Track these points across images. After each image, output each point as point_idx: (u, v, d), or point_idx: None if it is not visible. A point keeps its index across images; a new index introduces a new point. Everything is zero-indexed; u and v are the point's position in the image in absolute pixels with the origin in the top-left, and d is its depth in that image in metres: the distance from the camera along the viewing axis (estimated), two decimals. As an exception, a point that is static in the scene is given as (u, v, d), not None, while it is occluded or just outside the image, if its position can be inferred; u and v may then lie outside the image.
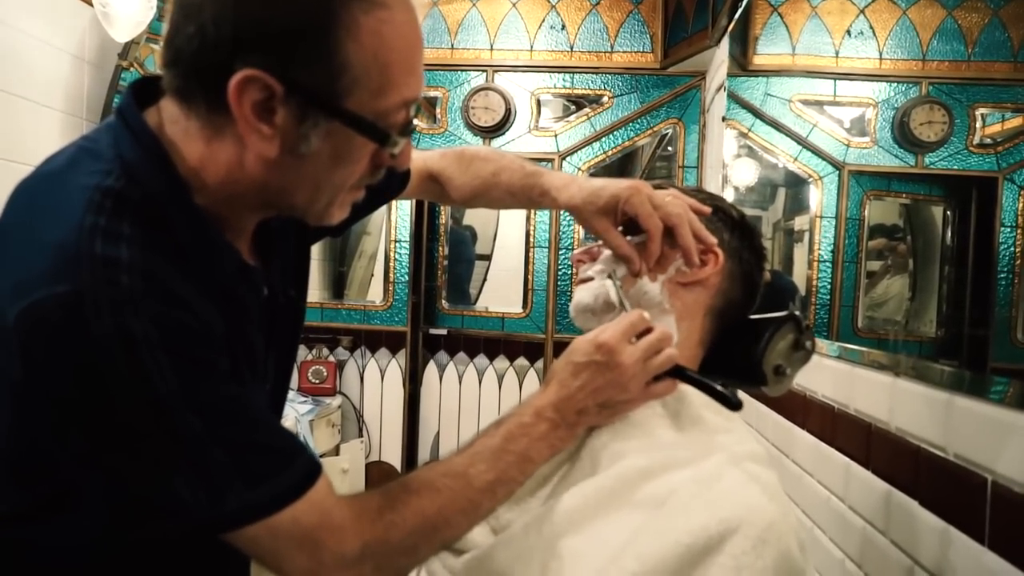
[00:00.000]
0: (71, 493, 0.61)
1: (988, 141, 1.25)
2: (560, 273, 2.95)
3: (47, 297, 0.53)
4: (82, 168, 0.59)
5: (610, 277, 0.79)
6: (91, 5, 1.77)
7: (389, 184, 0.71)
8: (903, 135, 1.41)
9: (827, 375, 1.21)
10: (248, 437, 0.60)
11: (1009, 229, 1.13)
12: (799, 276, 1.81)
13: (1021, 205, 1.14)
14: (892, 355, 1.01)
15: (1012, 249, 1.12)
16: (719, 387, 0.70)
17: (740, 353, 0.81)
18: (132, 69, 2.00)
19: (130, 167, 0.59)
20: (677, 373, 0.72)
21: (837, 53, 1.66)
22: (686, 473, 0.66)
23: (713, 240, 0.79)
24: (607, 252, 0.84)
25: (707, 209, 0.82)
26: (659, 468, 0.66)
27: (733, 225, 0.84)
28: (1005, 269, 1.14)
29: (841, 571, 1.08)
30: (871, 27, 1.58)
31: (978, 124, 1.26)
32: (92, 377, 0.54)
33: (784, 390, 0.81)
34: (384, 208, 3.08)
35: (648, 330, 0.72)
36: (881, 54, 1.56)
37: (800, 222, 1.90)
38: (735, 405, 0.68)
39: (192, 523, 0.60)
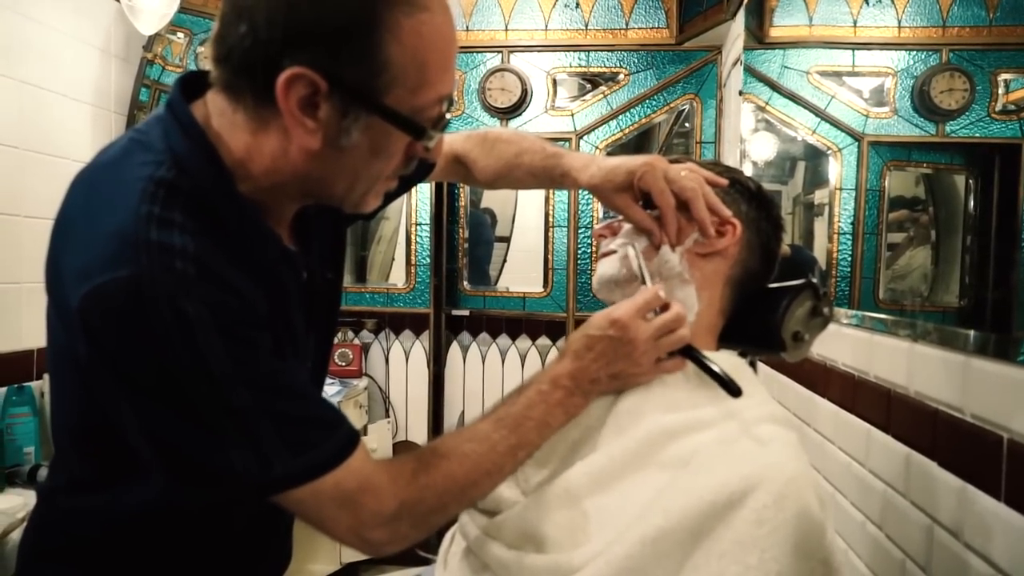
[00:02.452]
0: (131, 462, 0.65)
1: (1011, 107, 1.22)
2: (580, 252, 2.97)
3: (109, 281, 0.57)
4: (136, 159, 0.63)
5: (632, 248, 0.81)
6: (117, 1, 1.81)
7: (418, 168, 0.74)
8: (923, 104, 1.40)
9: (847, 344, 1.23)
10: (293, 409, 0.64)
11: None
12: (819, 249, 1.81)
13: None
14: (910, 321, 1.03)
15: None
16: (721, 372, 0.73)
17: (760, 321, 0.83)
18: (156, 63, 2.04)
19: (180, 158, 0.63)
20: (687, 353, 0.75)
21: (855, 22, 1.64)
22: (709, 434, 0.68)
23: (727, 212, 0.82)
24: (628, 226, 0.86)
25: (723, 181, 0.84)
26: (683, 430, 0.69)
27: (750, 196, 0.86)
28: None
29: (862, 533, 1.10)
30: (889, -6, 1.57)
31: (1000, 91, 1.23)
32: (152, 354, 0.58)
33: (802, 356, 0.83)
34: (404, 193, 3.11)
35: (665, 308, 0.75)
36: (900, 22, 1.54)
37: (820, 195, 1.89)
38: (735, 392, 0.72)
39: (243, 489, 0.64)
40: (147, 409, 0.61)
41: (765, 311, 0.83)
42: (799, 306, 0.82)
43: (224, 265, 0.62)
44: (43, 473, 1.43)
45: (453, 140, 1.04)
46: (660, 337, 0.74)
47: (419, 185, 3.05)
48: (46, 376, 1.66)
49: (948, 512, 0.86)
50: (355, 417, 2.93)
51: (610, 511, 0.66)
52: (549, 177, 0.97)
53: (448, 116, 0.67)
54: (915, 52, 1.48)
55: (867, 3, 1.63)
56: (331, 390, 2.75)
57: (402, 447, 3.13)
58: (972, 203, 1.38)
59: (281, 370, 0.65)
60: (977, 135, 1.29)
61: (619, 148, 2.99)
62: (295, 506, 0.65)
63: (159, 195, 0.60)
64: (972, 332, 0.85)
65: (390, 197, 0.82)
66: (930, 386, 0.92)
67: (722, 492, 0.63)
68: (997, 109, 1.23)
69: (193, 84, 0.67)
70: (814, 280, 0.83)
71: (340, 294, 0.88)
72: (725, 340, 0.85)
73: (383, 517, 0.65)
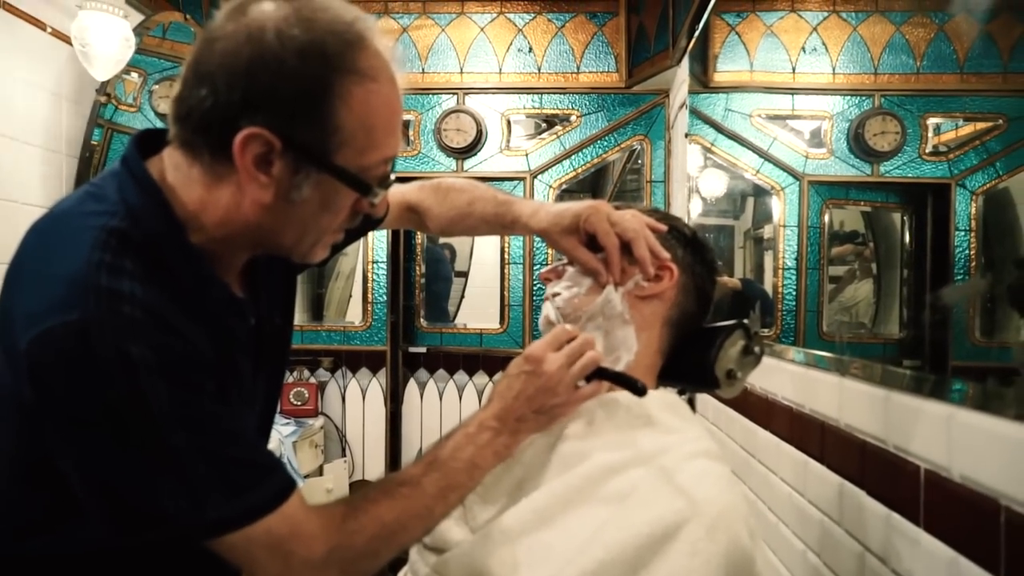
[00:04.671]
0: (74, 504, 0.66)
1: (942, 148, 1.29)
2: (536, 288, 3.01)
3: (58, 325, 0.59)
4: (89, 209, 0.66)
5: (551, 303, 0.88)
6: (69, 44, 1.81)
7: (367, 220, 0.78)
8: (859, 145, 1.47)
9: (787, 378, 1.29)
10: (229, 452, 0.66)
11: (963, 233, 1.17)
12: (768, 283, 1.88)
13: (973, 209, 1.18)
14: (838, 357, 1.08)
15: (967, 252, 1.17)
16: (628, 376, 0.79)
17: (695, 360, 0.88)
18: (110, 103, 2.04)
19: (133, 210, 0.66)
20: (599, 373, 0.80)
21: (793, 69, 1.72)
22: (647, 469, 0.72)
23: (666, 255, 0.87)
24: (571, 270, 0.91)
25: (663, 227, 0.90)
26: (621, 466, 0.73)
27: (686, 242, 0.91)
28: (961, 271, 1.19)
29: (803, 562, 1.15)
30: (824, 44, 1.64)
31: (930, 133, 1.30)
32: (95, 394, 0.60)
33: (736, 392, 0.88)
34: (361, 230, 3.13)
35: (573, 339, 0.79)
36: (834, 69, 1.61)
37: (768, 230, 1.96)
38: (640, 391, 0.77)
39: (176, 532, 0.65)
40: (87, 450, 0.62)
41: (700, 350, 0.87)
42: (732, 345, 0.87)
43: (171, 310, 0.64)
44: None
45: (407, 190, 1.08)
46: (572, 363, 0.78)
47: (376, 223, 3.07)
48: None
49: (877, 539, 0.91)
50: (311, 457, 2.89)
51: (552, 546, 0.69)
52: (500, 223, 1.01)
53: (392, 176, 0.71)
54: (849, 97, 1.56)
55: (804, 51, 1.72)
56: (286, 430, 2.72)
57: (359, 486, 3.09)
58: (908, 239, 1.44)
59: (223, 415, 0.67)
60: (909, 175, 1.35)
61: (576, 185, 3.07)
62: (227, 551, 0.66)
63: (111, 243, 0.63)
64: (882, 367, 0.90)
65: (337, 248, 0.85)
66: (857, 418, 0.98)
67: (658, 525, 0.66)
68: (927, 151, 1.30)
69: (148, 141, 0.70)
70: (745, 321, 0.88)
71: (290, 339, 0.91)
72: (664, 378, 0.90)
73: (312, 564, 0.67)
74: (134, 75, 2.10)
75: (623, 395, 0.81)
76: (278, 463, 0.70)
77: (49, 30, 1.83)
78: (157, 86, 2.26)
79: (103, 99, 2.02)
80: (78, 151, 2.00)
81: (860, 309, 1.65)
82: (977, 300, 1.18)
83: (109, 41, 1.80)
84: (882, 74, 1.41)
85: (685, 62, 2.42)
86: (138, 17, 2.11)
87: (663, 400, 0.81)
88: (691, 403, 0.94)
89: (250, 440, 0.71)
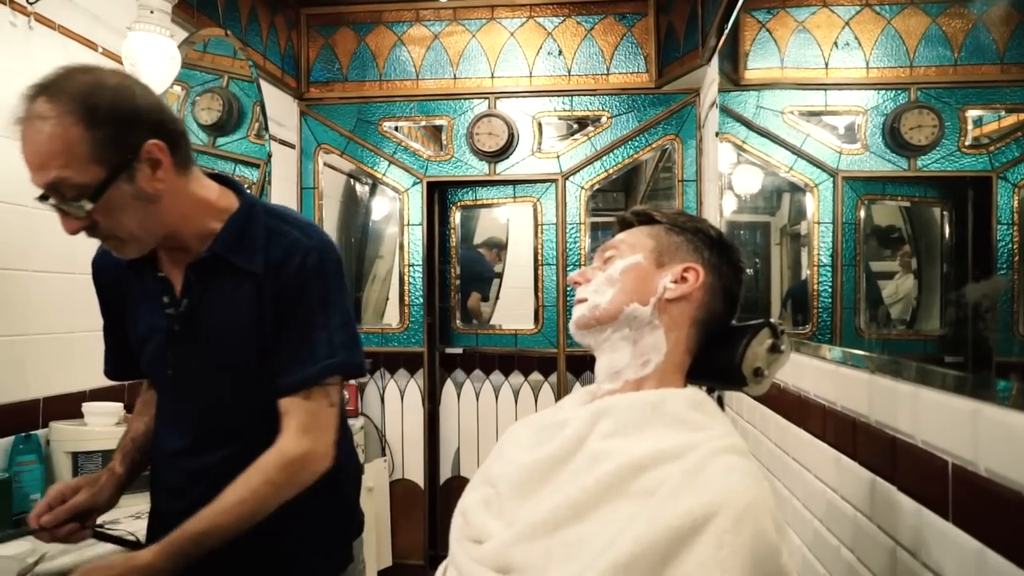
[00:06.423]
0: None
1: (984, 140, 1.27)
2: (570, 289, 3.05)
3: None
4: None
5: (580, 303, 0.93)
6: (120, 64, 1.90)
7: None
8: (894, 140, 1.45)
9: (819, 376, 1.30)
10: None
11: (1006, 227, 1.16)
12: (805, 279, 1.87)
13: (1016, 202, 1.16)
14: (869, 354, 1.09)
15: (1010, 246, 1.16)
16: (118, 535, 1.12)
17: (723, 358, 0.90)
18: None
19: None
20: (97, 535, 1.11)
21: (826, 64, 1.71)
22: (674, 466, 0.75)
23: None
24: (601, 274, 0.94)
25: None
26: (651, 462, 0.75)
27: (712, 244, 0.93)
28: (1004, 266, 1.17)
29: (837, 558, 1.16)
30: (856, 38, 1.63)
31: (969, 126, 1.29)
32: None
33: (764, 390, 0.90)
34: (397, 233, 3.20)
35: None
36: (868, 63, 1.60)
37: (804, 227, 1.94)
38: (132, 544, 1.05)
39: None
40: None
41: (728, 349, 0.90)
42: (759, 344, 0.89)
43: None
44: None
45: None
46: None
47: (410, 226, 3.14)
48: (51, 424, 1.71)
49: (908, 534, 0.92)
50: (352, 457, 2.96)
51: (584, 539, 0.72)
52: None
53: (82, 203, 0.92)
54: (884, 91, 1.54)
55: (836, 46, 1.71)
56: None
57: (399, 485, 3.16)
58: (948, 233, 1.43)
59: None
60: (948, 169, 1.34)
61: (608, 184, 3.10)
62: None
63: None
64: (915, 364, 0.92)
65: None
66: (888, 415, 0.99)
67: (686, 518, 0.69)
68: (967, 143, 1.28)
69: None
70: (772, 320, 0.90)
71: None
72: (693, 376, 0.92)
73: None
74: (177, 88, 2.18)
75: (650, 394, 0.84)
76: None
77: (100, 50, 1.92)
78: (199, 98, 2.35)
79: (151, 114, 2.11)
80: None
81: (902, 306, 1.64)
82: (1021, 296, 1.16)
83: (157, 60, 1.88)
84: (918, 67, 1.40)
85: (715, 60, 2.43)
86: (182, 34, 2.20)
87: (691, 398, 0.84)
88: (719, 401, 0.96)
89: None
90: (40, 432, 1.68)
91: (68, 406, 1.78)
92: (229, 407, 1.08)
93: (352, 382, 3.13)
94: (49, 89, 0.90)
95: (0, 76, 1.61)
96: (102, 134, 0.90)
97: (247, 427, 1.07)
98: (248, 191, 1.12)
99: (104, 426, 1.73)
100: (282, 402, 1.03)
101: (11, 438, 1.61)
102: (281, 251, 1.04)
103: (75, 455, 1.68)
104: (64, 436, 1.69)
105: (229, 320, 1.04)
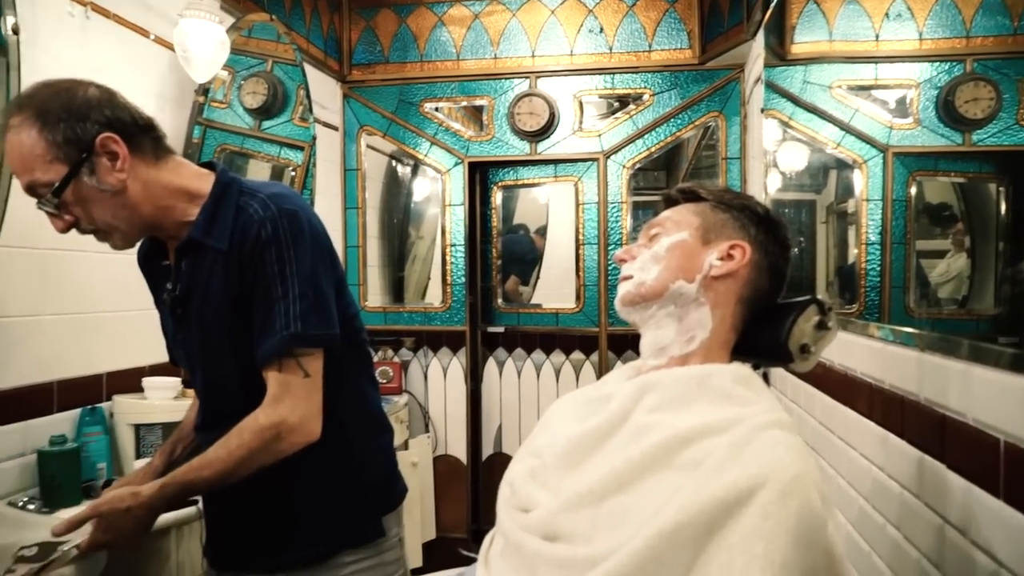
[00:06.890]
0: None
1: None
2: (610, 268, 3.04)
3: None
4: None
5: (625, 280, 0.94)
6: (171, 50, 1.95)
7: None
8: (948, 114, 1.41)
9: (866, 354, 1.29)
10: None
11: None
12: (851, 258, 1.84)
13: None
14: (918, 331, 1.08)
15: None
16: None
17: (769, 335, 0.90)
18: (206, 102, 2.18)
19: None
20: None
21: (877, 36, 1.67)
22: (720, 439, 0.76)
23: None
24: (646, 252, 0.94)
25: None
26: (696, 435, 0.77)
27: (758, 221, 0.93)
28: None
29: (883, 536, 1.16)
30: (909, 9, 1.58)
31: None
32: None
33: (810, 367, 0.90)
34: (438, 213, 3.23)
35: None
36: (921, 35, 1.55)
37: (851, 204, 1.90)
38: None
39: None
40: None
41: (775, 326, 0.90)
42: (806, 321, 0.89)
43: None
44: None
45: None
46: None
47: (452, 206, 3.16)
48: (115, 397, 1.79)
49: (956, 512, 0.91)
50: (397, 432, 3.01)
51: (630, 509, 0.74)
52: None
53: (50, 198, 1.00)
54: (938, 63, 1.49)
55: (888, 17, 1.66)
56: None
57: (442, 461, 3.22)
58: (1004, 210, 1.38)
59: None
60: (1006, 143, 1.30)
61: (650, 163, 3.07)
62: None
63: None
64: (967, 341, 0.90)
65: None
66: (938, 393, 0.98)
67: (732, 490, 0.70)
68: None
69: None
70: (819, 296, 0.90)
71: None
72: (739, 353, 0.93)
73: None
74: (224, 73, 2.23)
75: (696, 369, 0.85)
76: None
77: (152, 37, 1.97)
78: (244, 82, 2.40)
79: (201, 99, 2.16)
80: (181, 148, 2.15)
81: (952, 285, 1.61)
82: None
83: (207, 45, 1.92)
84: (975, 37, 1.36)
85: (760, 35, 2.38)
86: (230, 20, 2.24)
87: (737, 373, 0.84)
88: (765, 377, 0.96)
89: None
90: (104, 405, 1.77)
91: (130, 380, 1.86)
92: (227, 384, 1.11)
93: (396, 359, 3.19)
94: (15, 103, 1.02)
95: (60, 64, 1.68)
96: (57, 134, 0.99)
97: (248, 405, 1.06)
98: (227, 170, 1.12)
99: (163, 400, 1.80)
100: (263, 374, 1.05)
101: (78, 410, 1.70)
102: (241, 226, 1.05)
103: (137, 427, 1.76)
104: (126, 409, 1.78)
105: (207, 300, 1.08)
